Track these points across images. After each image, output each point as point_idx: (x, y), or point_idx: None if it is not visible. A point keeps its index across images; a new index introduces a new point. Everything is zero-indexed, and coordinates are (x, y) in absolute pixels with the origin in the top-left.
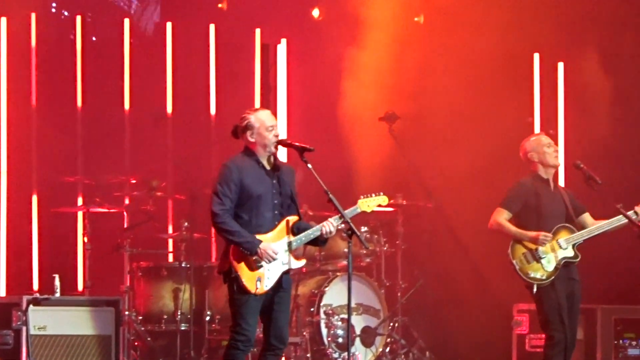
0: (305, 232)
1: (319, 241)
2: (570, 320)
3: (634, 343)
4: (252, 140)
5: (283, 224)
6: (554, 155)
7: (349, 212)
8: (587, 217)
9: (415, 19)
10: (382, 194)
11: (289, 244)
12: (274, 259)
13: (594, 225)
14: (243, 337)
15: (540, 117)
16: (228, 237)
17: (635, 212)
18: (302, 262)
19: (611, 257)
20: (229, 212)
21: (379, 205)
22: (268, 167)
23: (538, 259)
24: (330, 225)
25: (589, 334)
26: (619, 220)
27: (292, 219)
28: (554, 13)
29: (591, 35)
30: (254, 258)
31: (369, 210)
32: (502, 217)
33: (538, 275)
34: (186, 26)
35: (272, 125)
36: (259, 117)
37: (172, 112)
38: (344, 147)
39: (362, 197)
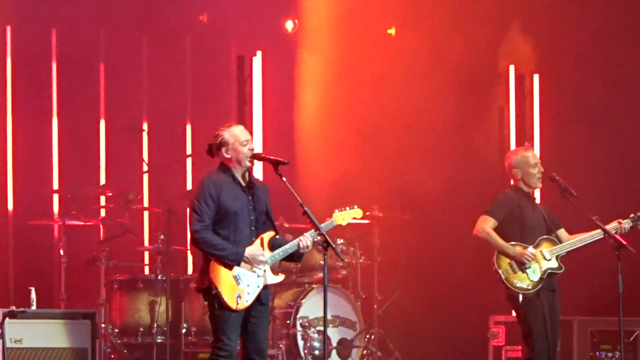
0: (283, 248)
1: (295, 256)
2: (551, 333)
3: (610, 355)
4: (228, 156)
5: (260, 239)
6: (537, 177)
7: (324, 226)
8: (563, 232)
9: (388, 31)
10: (356, 207)
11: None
12: (264, 262)
13: (576, 238)
14: (225, 352)
15: (515, 129)
16: (211, 251)
17: (616, 228)
18: (280, 277)
19: (588, 268)
20: (208, 228)
21: (354, 218)
22: (243, 184)
23: (524, 269)
24: (307, 239)
25: (565, 346)
26: (600, 234)
27: (269, 234)
28: (529, 25)
29: (566, 46)
30: (247, 265)
31: (344, 224)
32: (489, 225)
33: (524, 285)
34: (162, 38)
35: (246, 139)
36: (233, 133)
37: (148, 124)
38: (319, 159)
39: (337, 210)
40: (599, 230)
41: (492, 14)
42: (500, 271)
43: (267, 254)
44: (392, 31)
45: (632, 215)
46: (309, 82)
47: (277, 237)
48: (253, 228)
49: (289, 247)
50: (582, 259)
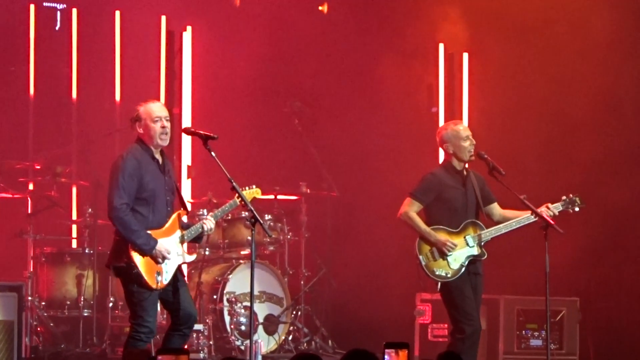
0: (194, 226)
1: (199, 238)
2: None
3: (536, 334)
4: (141, 131)
5: (174, 217)
6: (469, 150)
7: (228, 206)
8: (494, 207)
9: (320, 7)
10: (254, 186)
11: (182, 237)
12: (167, 259)
13: (502, 224)
14: (145, 329)
15: (444, 107)
16: (126, 234)
17: (547, 207)
18: (193, 256)
19: (514, 247)
20: (128, 207)
21: (254, 198)
22: (159, 162)
23: (444, 257)
24: (210, 222)
25: (491, 325)
26: (527, 219)
27: (182, 213)
28: (458, 3)
29: (495, 25)
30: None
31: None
32: (413, 209)
33: (443, 273)
34: (92, 12)
35: (158, 116)
36: (147, 109)
37: (77, 97)
38: (249, 136)
39: (245, 188)
40: (526, 215)
41: None
42: (420, 257)
43: (178, 234)
44: (324, 8)
45: (564, 197)
46: (241, 58)
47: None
48: (169, 208)
49: (194, 230)
50: (509, 238)
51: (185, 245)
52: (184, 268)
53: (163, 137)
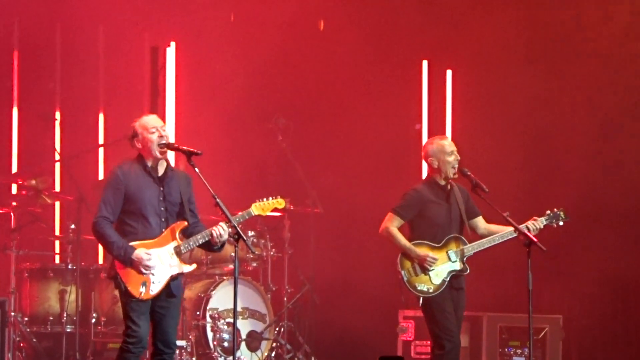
0: (194, 237)
1: (212, 246)
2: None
3: (519, 351)
4: (139, 146)
5: (170, 228)
6: (453, 164)
7: (240, 217)
8: (479, 221)
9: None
10: (279, 197)
11: (176, 248)
12: (148, 267)
13: (485, 239)
14: (133, 338)
15: (428, 124)
16: (103, 246)
17: (527, 227)
18: (192, 267)
19: (498, 265)
20: (107, 220)
21: (275, 209)
22: (158, 174)
23: (426, 272)
24: (221, 229)
25: (474, 342)
26: (509, 234)
27: (180, 224)
28: (442, 21)
29: (479, 43)
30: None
31: (264, 214)
32: (394, 225)
33: (425, 289)
34: (75, 27)
35: (153, 127)
36: (142, 122)
37: (61, 113)
38: (233, 152)
39: (257, 201)
40: (509, 230)
41: (406, 8)
42: (402, 272)
43: (173, 244)
44: (320, 25)
45: (548, 212)
46: (226, 74)
47: (195, 226)
48: (163, 219)
49: (200, 237)
50: (492, 255)
51: (175, 255)
52: None
53: (161, 148)
